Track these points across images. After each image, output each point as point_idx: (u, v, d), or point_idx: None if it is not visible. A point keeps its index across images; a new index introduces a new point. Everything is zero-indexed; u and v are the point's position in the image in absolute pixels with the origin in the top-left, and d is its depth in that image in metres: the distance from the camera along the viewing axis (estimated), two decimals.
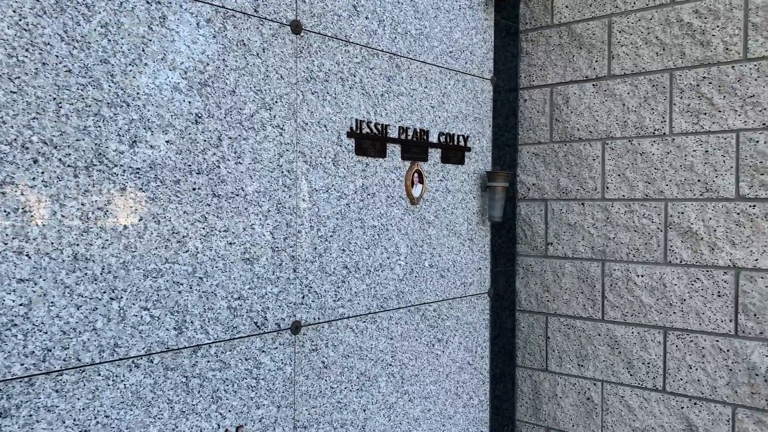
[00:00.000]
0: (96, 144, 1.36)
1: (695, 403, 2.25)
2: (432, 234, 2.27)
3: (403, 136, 2.12)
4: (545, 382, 2.63)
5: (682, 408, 2.28)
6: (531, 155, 2.65)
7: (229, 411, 1.63)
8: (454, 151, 2.33)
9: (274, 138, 1.72)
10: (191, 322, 1.54)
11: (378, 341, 2.07)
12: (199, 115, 1.54)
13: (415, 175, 2.17)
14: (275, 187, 1.73)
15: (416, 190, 2.18)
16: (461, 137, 2.38)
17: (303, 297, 1.82)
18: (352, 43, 1.95)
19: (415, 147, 2.17)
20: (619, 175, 2.41)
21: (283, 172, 1.75)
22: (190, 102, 1.52)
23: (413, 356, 2.20)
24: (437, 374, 2.31)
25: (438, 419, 2.31)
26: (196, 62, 1.54)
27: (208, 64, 1.56)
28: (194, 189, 1.54)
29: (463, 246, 2.41)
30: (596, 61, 2.47)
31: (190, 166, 1.53)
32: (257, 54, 1.68)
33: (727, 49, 2.16)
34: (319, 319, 1.87)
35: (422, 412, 2.25)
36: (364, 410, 2.02)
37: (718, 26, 2.18)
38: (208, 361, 1.58)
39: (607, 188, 2.44)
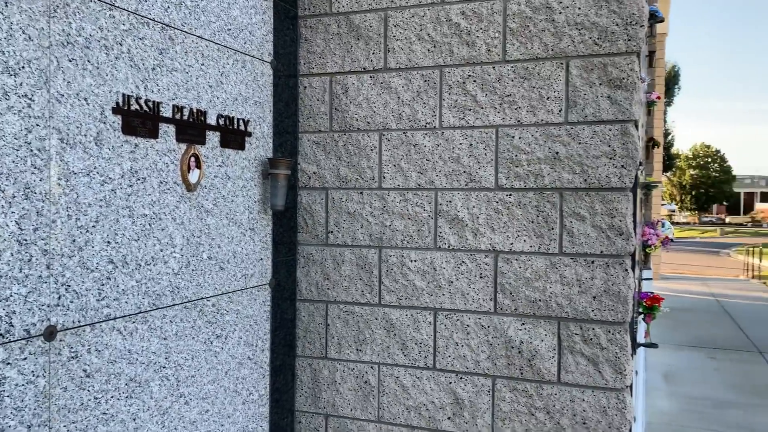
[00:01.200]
0: None
1: (461, 378, 2.43)
2: (211, 223, 2.12)
3: (177, 116, 1.94)
4: (325, 370, 2.64)
5: (450, 383, 2.44)
6: (312, 143, 2.62)
7: None
8: (234, 135, 2.21)
9: (20, 110, 1.45)
10: None
11: (150, 342, 1.87)
12: None
13: (192, 159, 2.00)
14: (22, 169, 1.45)
15: (193, 176, 2.01)
16: (241, 121, 2.26)
17: (59, 297, 1.56)
18: (119, 7, 1.72)
19: (191, 128, 2.00)
20: (394, 165, 2.50)
21: (32, 150, 1.48)
22: None
23: (190, 356, 2.04)
24: (216, 372, 2.17)
25: (216, 419, 2.18)
26: None
27: None
28: None
29: (244, 236, 2.29)
30: (373, 54, 2.52)
31: None
32: None
33: (489, 50, 2.35)
34: (79, 321, 1.62)
35: (200, 414, 2.10)
36: (135, 419, 1.82)
37: (481, 28, 2.36)
38: None
39: (384, 178, 2.52)
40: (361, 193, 2.56)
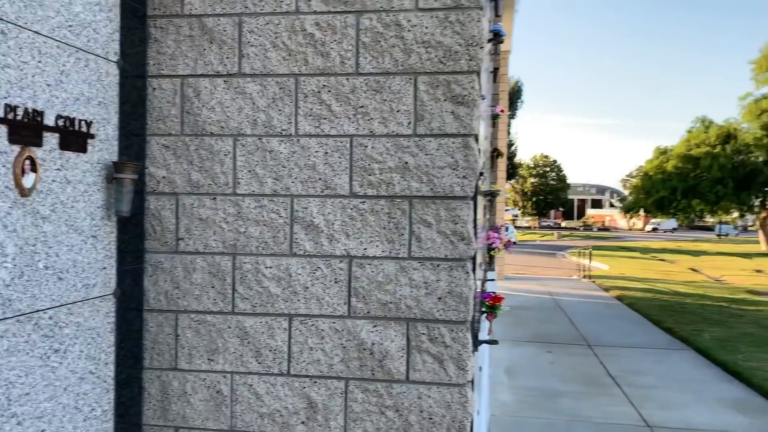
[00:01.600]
0: None
1: (315, 382, 2.47)
2: (48, 231, 1.98)
3: (10, 116, 1.81)
4: (174, 381, 2.56)
5: (304, 388, 2.48)
6: (161, 147, 2.54)
7: None
8: (75, 137, 2.08)
9: None
10: None
11: None
12: None
13: (27, 162, 1.87)
14: None
15: (28, 180, 1.88)
16: (84, 122, 2.14)
17: None
18: None
19: (26, 129, 1.86)
20: (249, 171, 2.49)
21: None
22: None
23: (24, 372, 1.90)
24: (54, 389, 2.04)
25: None
26: None
27: None
28: None
29: (85, 244, 2.17)
30: (227, 58, 2.50)
31: None
32: None
33: (343, 62, 2.43)
34: None
35: None
36: None
37: (335, 40, 2.43)
38: None
39: (239, 183, 2.50)
40: (214, 198, 2.52)
